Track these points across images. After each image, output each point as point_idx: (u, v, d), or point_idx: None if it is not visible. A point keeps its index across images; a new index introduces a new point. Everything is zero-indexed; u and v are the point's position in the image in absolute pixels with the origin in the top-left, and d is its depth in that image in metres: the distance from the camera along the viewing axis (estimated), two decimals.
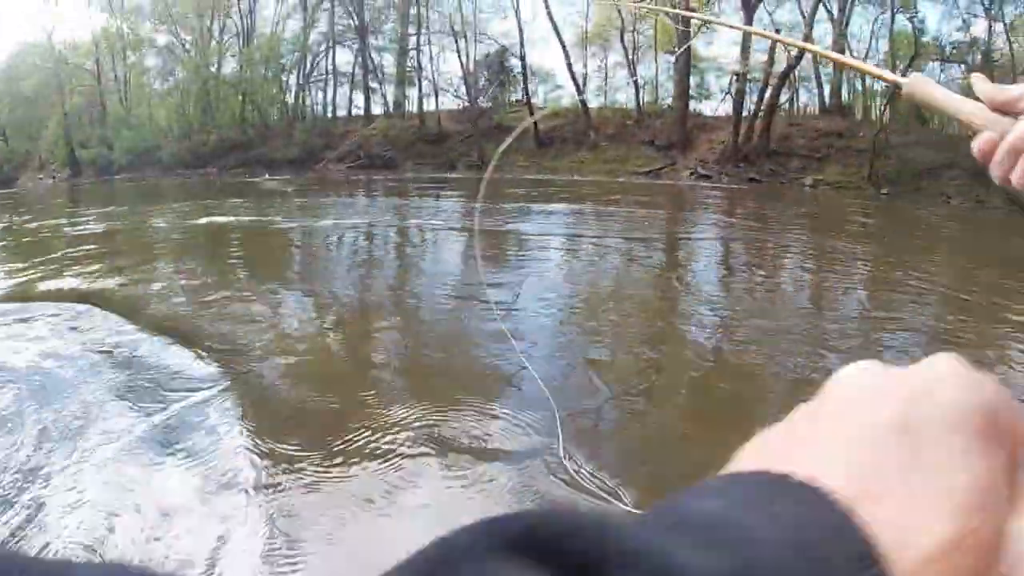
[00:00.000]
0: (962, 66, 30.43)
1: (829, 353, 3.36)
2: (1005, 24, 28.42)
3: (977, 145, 0.55)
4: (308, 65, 30.20)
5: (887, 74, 0.77)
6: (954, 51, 29.22)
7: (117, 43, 38.78)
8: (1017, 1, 28.35)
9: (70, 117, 37.88)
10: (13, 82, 38.35)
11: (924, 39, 27.94)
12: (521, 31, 25.07)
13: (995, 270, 7.19)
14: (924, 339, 3.74)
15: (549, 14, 24.97)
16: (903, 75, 0.67)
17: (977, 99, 0.57)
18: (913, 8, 27.65)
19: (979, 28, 29.48)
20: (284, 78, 30.99)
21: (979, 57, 29.86)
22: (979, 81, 0.59)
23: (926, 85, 0.62)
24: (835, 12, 26.21)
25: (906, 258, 7.86)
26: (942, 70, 29.67)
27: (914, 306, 4.91)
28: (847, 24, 26.21)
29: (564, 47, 24.72)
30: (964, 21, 29.31)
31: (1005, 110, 0.53)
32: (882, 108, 27.26)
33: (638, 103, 25.08)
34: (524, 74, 24.72)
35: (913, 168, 25.31)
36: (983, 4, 28.40)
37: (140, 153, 34.83)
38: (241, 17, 34.39)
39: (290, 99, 31.18)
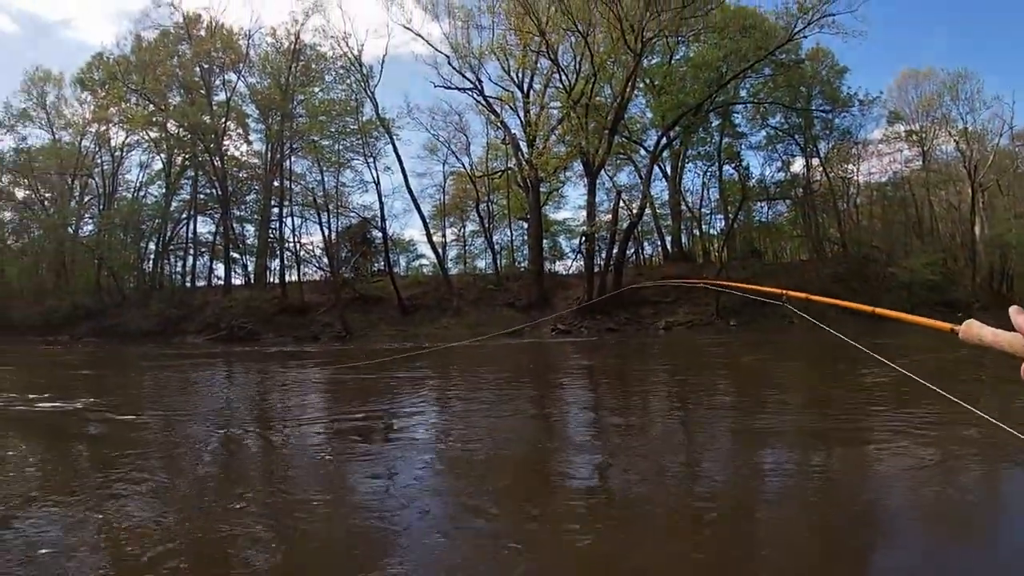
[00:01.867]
0: (787, 202, 34.63)
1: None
2: (820, 158, 32.75)
3: (1022, 369, 0.63)
4: (168, 233, 29.40)
5: (939, 323, 0.79)
6: (778, 190, 33.15)
7: None
8: (828, 137, 32.91)
9: None
10: None
11: (750, 183, 31.56)
12: (382, 204, 26.11)
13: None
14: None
15: (409, 188, 26.24)
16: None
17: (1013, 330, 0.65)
18: (738, 158, 31.46)
19: (797, 165, 33.88)
20: (143, 244, 29.88)
21: (800, 191, 34.14)
22: (1015, 314, 0.66)
23: (976, 328, 0.70)
24: (668, 170, 29.37)
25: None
26: (769, 207, 33.66)
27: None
28: (680, 180, 29.40)
29: (423, 218, 25.83)
30: (784, 162, 33.63)
31: None
32: (720, 250, 30.19)
33: (496, 268, 26.23)
34: (385, 245, 25.29)
35: (756, 298, 27.76)
36: (799, 144, 32.72)
37: None
38: (104, 178, 33.44)
39: (148, 267, 29.91)
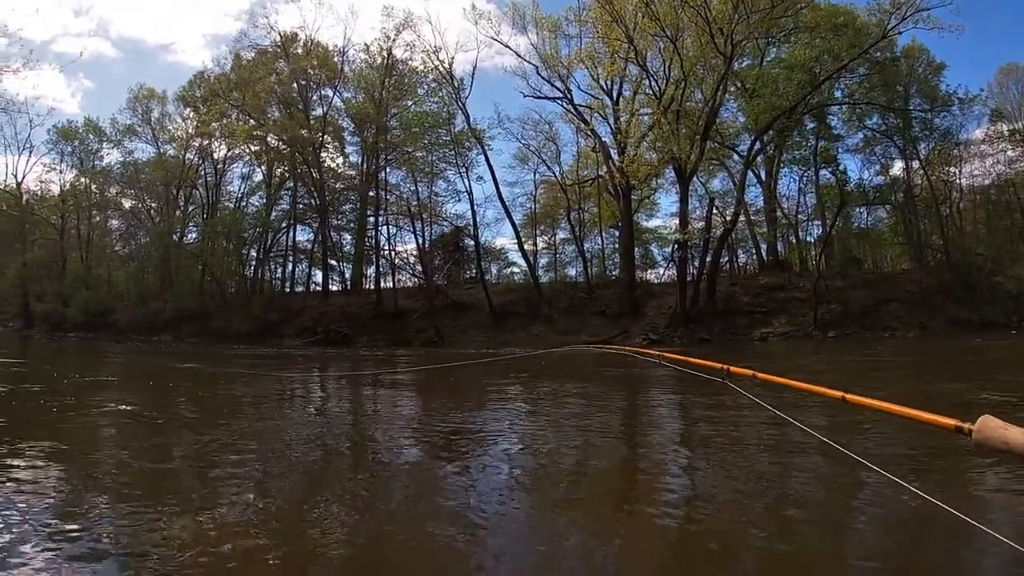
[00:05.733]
0: (887, 207, 32.83)
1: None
2: (921, 160, 30.89)
3: None
4: (269, 240, 30.91)
5: (943, 420, 0.68)
6: (877, 194, 31.47)
7: (84, 201, 39.16)
8: (928, 138, 31.04)
9: (29, 268, 36.93)
10: None
11: (848, 188, 30.05)
12: (474, 213, 26.62)
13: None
14: None
15: (500, 197, 26.60)
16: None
17: None
18: (835, 162, 30.07)
19: (897, 168, 32.06)
20: (245, 252, 31.50)
21: (900, 195, 32.28)
22: None
23: (999, 429, 0.57)
24: (763, 176, 28.43)
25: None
26: (868, 213, 32.02)
27: None
28: (775, 185, 28.38)
29: (515, 227, 26.09)
30: (883, 165, 31.91)
31: None
32: (818, 258, 28.87)
33: (587, 276, 26.12)
34: (477, 253, 25.69)
35: (855, 308, 26.40)
36: (898, 147, 31.00)
37: (95, 314, 34.23)
38: (207, 189, 35.53)
39: (249, 273, 31.51)
